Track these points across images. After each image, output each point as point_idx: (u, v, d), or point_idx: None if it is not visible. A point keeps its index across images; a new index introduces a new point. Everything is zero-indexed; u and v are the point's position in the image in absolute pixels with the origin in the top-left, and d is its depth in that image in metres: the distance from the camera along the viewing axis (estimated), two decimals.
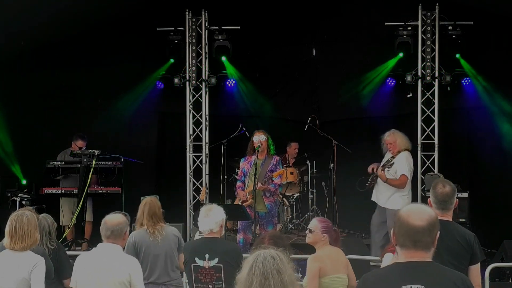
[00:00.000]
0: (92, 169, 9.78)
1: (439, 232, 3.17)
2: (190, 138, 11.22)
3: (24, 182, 10.60)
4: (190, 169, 11.18)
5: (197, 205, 10.72)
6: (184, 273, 6.54)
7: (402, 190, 9.10)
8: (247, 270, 3.09)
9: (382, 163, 9.25)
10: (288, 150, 11.64)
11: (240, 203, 8.57)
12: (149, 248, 6.07)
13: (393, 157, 9.13)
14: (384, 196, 9.19)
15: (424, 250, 3.12)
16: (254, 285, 3.04)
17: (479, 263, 4.74)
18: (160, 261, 6.10)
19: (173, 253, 6.19)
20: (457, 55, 10.77)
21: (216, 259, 5.60)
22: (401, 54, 10.93)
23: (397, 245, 3.17)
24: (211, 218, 5.66)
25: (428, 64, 10.66)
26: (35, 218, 5.06)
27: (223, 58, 11.26)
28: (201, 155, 11.16)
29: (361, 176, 10.34)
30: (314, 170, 11.43)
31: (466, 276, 3.22)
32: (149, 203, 6.25)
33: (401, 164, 9.11)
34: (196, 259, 5.63)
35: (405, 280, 3.07)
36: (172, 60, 11.29)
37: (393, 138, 9.22)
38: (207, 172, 11.12)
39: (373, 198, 9.40)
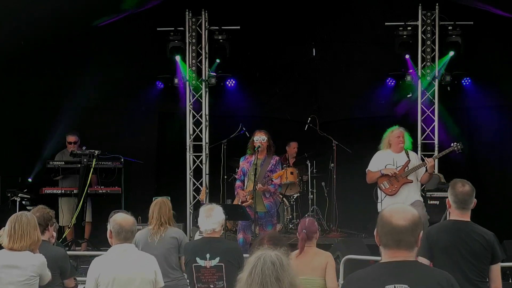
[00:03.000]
0: (92, 169, 9.77)
1: (422, 231, 3.16)
2: (190, 138, 11.22)
3: (30, 179, 10.61)
4: (190, 169, 11.17)
5: (197, 205, 10.72)
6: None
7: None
8: (247, 274, 3.08)
9: (406, 165, 8.53)
10: (287, 150, 11.66)
11: (240, 203, 8.56)
12: (146, 247, 6.12)
13: (408, 156, 8.60)
14: (414, 193, 8.65)
15: (408, 249, 3.12)
16: None
17: (500, 262, 4.74)
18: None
19: (170, 254, 6.22)
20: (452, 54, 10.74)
21: (217, 259, 5.61)
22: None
23: (380, 245, 3.18)
24: (213, 218, 5.68)
25: (428, 64, 10.67)
26: (35, 219, 5.05)
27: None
28: (201, 155, 11.16)
29: (361, 176, 10.34)
30: (314, 170, 11.43)
31: (450, 275, 3.21)
32: (159, 203, 6.34)
33: (418, 158, 9.08)
34: (197, 259, 5.64)
35: (389, 279, 3.07)
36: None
37: (404, 133, 8.69)
38: (207, 172, 11.12)
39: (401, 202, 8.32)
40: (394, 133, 8.53)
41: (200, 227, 5.81)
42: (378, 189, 8.75)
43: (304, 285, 5.32)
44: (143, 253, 4.98)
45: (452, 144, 8.89)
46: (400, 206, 3.22)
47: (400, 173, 8.51)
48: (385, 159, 8.63)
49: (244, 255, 5.70)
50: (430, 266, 3.27)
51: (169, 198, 6.66)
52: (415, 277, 3.08)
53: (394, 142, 8.50)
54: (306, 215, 11.26)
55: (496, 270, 4.69)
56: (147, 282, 4.71)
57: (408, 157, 8.57)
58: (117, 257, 4.70)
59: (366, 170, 8.76)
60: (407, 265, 3.11)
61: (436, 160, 10.50)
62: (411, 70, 10.93)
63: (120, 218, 4.75)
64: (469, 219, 4.83)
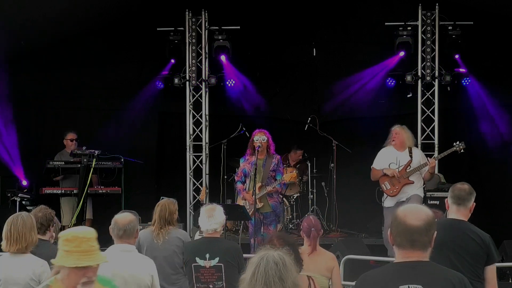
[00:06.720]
0: (92, 169, 9.76)
1: (436, 232, 3.16)
2: (190, 138, 11.22)
3: (24, 183, 10.59)
4: (190, 169, 11.17)
5: (197, 205, 10.73)
6: None
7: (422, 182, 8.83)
8: (250, 274, 3.09)
9: (408, 165, 8.64)
10: (292, 155, 11.59)
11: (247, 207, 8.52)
12: (150, 249, 6.09)
13: (410, 154, 8.70)
14: (414, 189, 8.69)
15: (421, 249, 3.12)
16: None
17: (495, 263, 4.73)
18: (158, 263, 6.07)
19: (174, 257, 6.14)
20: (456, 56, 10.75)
21: (217, 259, 5.61)
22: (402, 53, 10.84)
23: (394, 245, 3.17)
24: (215, 218, 5.69)
25: (428, 64, 10.68)
26: (32, 220, 5.00)
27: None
28: (201, 155, 11.16)
29: (361, 176, 10.34)
30: (314, 170, 11.42)
31: (463, 276, 3.21)
32: (160, 206, 6.24)
33: (424, 156, 8.91)
34: (197, 259, 5.64)
35: (402, 280, 3.07)
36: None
37: (401, 130, 8.81)
38: (207, 172, 11.12)
39: (403, 199, 8.59)
40: (392, 130, 8.76)
41: (201, 227, 5.81)
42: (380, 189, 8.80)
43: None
44: (141, 257, 4.99)
45: (454, 144, 8.88)
46: (414, 206, 3.21)
47: (402, 174, 8.54)
48: (389, 157, 8.71)
49: (245, 255, 5.71)
50: (443, 267, 3.26)
51: (175, 200, 6.52)
52: (429, 278, 3.08)
53: (391, 139, 8.72)
54: (306, 215, 11.24)
55: (491, 271, 4.67)
56: (143, 286, 4.71)
57: (411, 156, 8.60)
58: (113, 260, 4.64)
59: (371, 167, 8.91)
60: (421, 266, 3.11)
61: (437, 160, 10.52)
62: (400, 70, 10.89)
63: (118, 216, 4.88)
64: (465, 219, 4.82)
